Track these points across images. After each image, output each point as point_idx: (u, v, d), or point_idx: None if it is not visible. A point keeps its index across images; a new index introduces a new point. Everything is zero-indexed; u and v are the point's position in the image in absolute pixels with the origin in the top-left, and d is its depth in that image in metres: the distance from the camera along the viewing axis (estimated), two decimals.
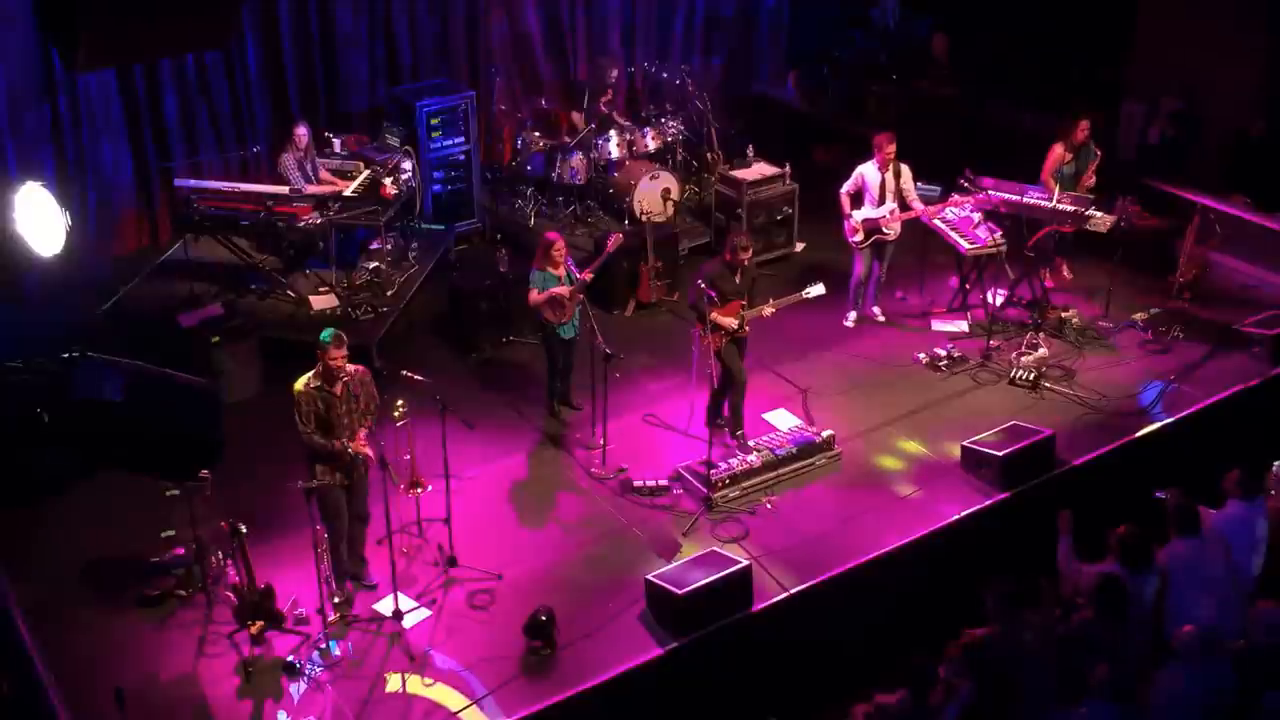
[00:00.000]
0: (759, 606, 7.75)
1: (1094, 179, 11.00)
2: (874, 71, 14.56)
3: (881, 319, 11.01)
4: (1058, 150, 10.93)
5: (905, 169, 10.45)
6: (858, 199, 10.54)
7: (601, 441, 9.16)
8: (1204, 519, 7.37)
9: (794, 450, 8.98)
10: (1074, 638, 6.78)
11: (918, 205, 10.50)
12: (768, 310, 8.97)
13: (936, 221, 10.77)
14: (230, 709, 7.07)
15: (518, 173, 12.75)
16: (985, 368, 10.24)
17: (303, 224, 10.50)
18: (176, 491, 7.88)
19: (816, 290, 9.12)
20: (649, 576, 7.71)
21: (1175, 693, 6.45)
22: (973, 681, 6.46)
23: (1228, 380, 9.99)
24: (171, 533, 8.08)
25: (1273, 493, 7.87)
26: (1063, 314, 10.74)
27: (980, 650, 6.58)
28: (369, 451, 7.44)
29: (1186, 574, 7.12)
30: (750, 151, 12.35)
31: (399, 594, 7.65)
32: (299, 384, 7.41)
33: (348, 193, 10.84)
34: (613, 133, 12.35)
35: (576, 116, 12.57)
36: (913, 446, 9.34)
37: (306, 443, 7.41)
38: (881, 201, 10.44)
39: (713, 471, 8.62)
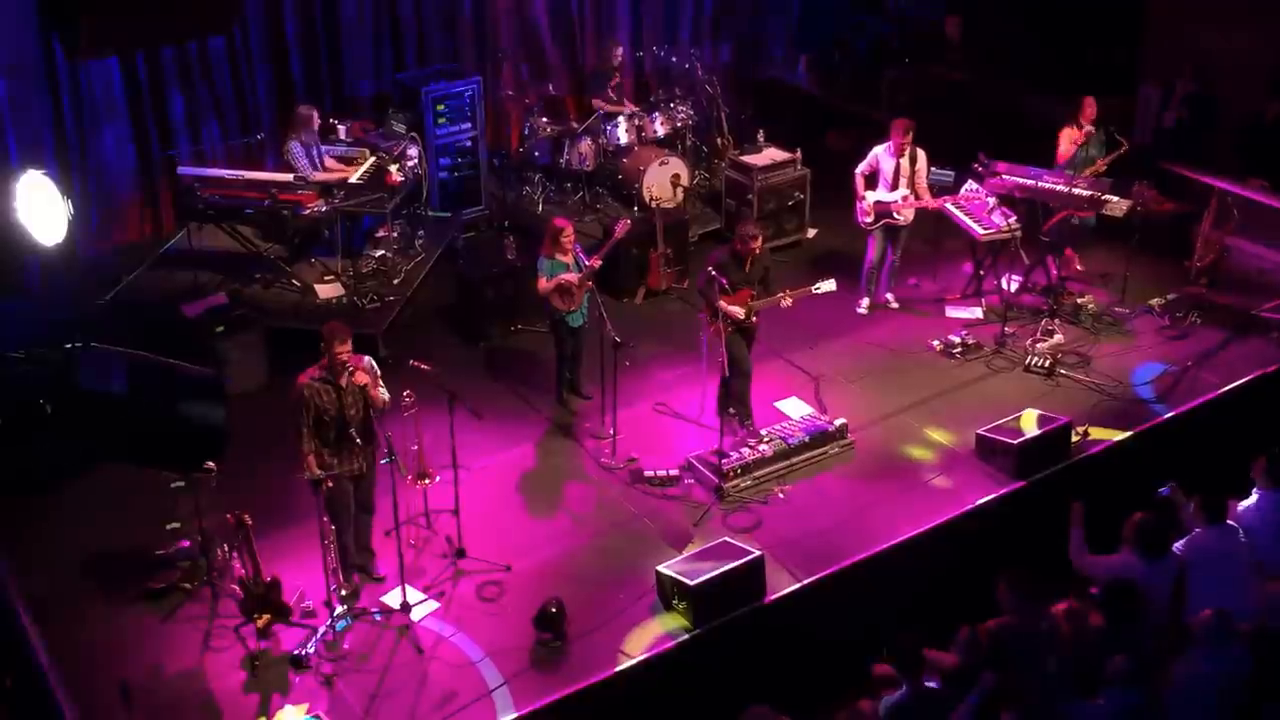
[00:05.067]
0: (771, 598, 7.68)
1: (1104, 167, 10.89)
2: (886, 55, 14.45)
3: (895, 305, 10.90)
4: (1070, 132, 10.82)
5: (921, 155, 10.34)
6: (872, 180, 10.43)
7: (611, 431, 9.07)
8: (1229, 508, 7.27)
9: (806, 439, 8.88)
10: (1091, 638, 6.68)
11: (927, 195, 10.39)
12: (786, 301, 8.86)
13: (950, 207, 10.66)
14: (236, 702, 7.01)
15: (525, 159, 12.64)
16: (1000, 354, 10.14)
17: (308, 212, 10.40)
18: (181, 483, 7.83)
19: (827, 286, 8.99)
20: (659, 567, 7.65)
21: (1192, 675, 6.38)
22: (992, 671, 6.37)
23: (1246, 366, 9.89)
24: (176, 525, 8.04)
25: None
26: (1078, 300, 10.64)
27: (999, 640, 6.49)
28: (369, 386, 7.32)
29: (1209, 563, 7.01)
30: (761, 137, 12.24)
31: (407, 586, 7.59)
32: (303, 378, 7.34)
33: (353, 179, 10.74)
34: (621, 118, 12.24)
35: (598, 103, 12.44)
36: (927, 435, 9.24)
37: (301, 439, 7.35)
38: (895, 186, 10.32)
39: (724, 461, 8.55)
